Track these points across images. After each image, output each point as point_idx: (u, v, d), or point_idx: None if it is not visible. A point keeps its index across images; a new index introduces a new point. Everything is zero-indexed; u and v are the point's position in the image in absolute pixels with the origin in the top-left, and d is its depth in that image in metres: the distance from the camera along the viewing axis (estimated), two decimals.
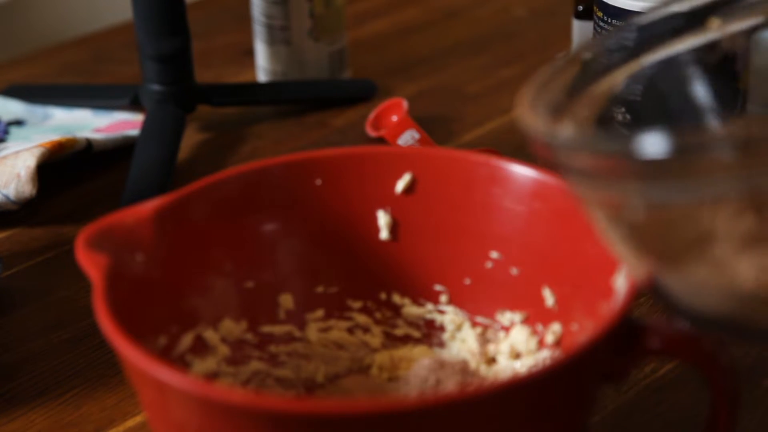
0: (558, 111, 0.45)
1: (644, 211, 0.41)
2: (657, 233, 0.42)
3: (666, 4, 0.50)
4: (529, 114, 0.43)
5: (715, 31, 0.50)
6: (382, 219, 0.54)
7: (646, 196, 0.40)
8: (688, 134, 0.37)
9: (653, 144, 0.37)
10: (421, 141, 0.75)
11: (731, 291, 0.41)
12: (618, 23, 0.65)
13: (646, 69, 0.50)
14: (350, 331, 0.55)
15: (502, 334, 0.53)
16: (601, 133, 0.48)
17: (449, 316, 0.54)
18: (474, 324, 0.54)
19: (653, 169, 0.38)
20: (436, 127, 0.80)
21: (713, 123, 0.53)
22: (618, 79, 0.49)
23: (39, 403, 0.57)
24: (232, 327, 0.52)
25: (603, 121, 0.48)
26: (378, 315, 0.55)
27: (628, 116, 0.50)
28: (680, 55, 0.50)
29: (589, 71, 0.48)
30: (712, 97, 0.52)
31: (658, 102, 0.51)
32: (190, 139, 0.81)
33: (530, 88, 0.45)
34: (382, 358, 0.54)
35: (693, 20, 0.50)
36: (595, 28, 0.67)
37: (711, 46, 0.50)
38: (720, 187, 0.38)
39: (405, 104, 0.77)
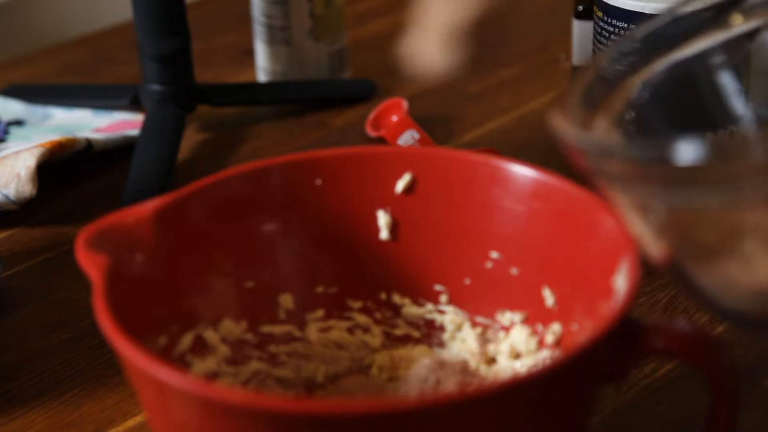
0: (592, 107, 0.45)
1: (676, 213, 0.41)
2: (688, 231, 0.42)
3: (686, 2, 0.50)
4: (561, 119, 0.43)
5: (736, 27, 0.50)
6: (382, 219, 0.54)
7: (678, 200, 0.40)
8: (723, 141, 0.37)
9: (689, 150, 0.37)
10: (421, 141, 0.75)
11: (758, 288, 0.41)
12: (618, 23, 0.65)
13: (665, 70, 0.50)
14: (350, 331, 0.55)
15: (502, 334, 0.53)
16: (635, 140, 0.48)
17: (449, 316, 0.54)
18: (474, 324, 0.54)
19: (687, 174, 0.38)
20: (436, 127, 0.80)
21: (718, 124, 0.53)
22: (645, 76, 0.49)
23: (39, 403, 0.57)
24: (232, 327, 0.52)
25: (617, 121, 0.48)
26: (378, 315, 0.55)
27: (632, 114, 0.50)
28: (696, 54, 0.50)
29: (621, 67, 0.48)
30: (716, 97, 0.52)
31: (663, 102, 0.51)
32: (190, 139, 0.81)
33: (563, 92, 0.45)
34: (382, 358, 0.54)
35: (716, 17, 0.50)
36: (595, 28, 0.67)
37: (733, 43, 0.50)
38: (753, 191, 0.38)
39: (405, 104, 0.77)
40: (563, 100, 0.45)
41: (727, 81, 0.52)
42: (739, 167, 0.38)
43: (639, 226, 0.43)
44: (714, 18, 0.50)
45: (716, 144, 0.37)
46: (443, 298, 0.54)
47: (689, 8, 0.50)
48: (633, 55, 0.49)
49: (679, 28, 0.50)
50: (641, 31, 0.50)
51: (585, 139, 0.42)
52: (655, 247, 0.43)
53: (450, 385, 0.51)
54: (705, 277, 0.42)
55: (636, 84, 0.49)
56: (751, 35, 0.51)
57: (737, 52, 0.51)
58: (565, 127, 0.42)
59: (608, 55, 0.49)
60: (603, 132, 0.46)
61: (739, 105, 0.52)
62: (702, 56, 0.50)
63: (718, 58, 0.51)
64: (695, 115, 0.53)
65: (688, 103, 0.52)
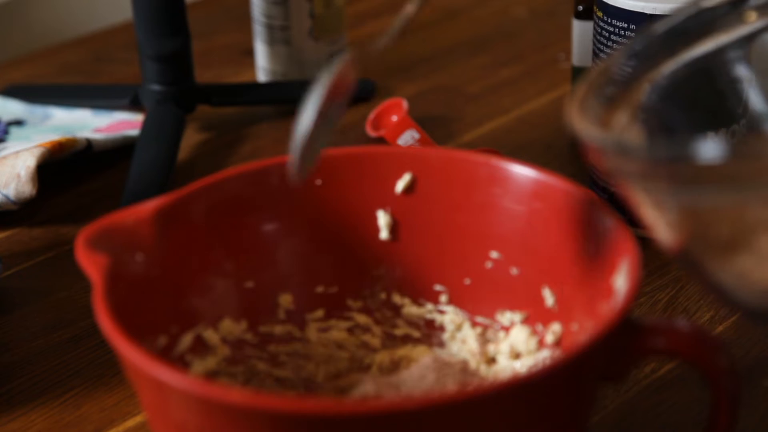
0: (610, 103, 0.46)
1: (693, 209, 0.41)
2: (703, 226, 0.42)
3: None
4: (579, 118, 0.43)
5: (750, 25, 0.50)
6: (382, 219, 0.54)
7: (696, 197, 0.40)
8: (739, 140, 0.38)
9: (709, 150, 0.38)
10: (421, 141, 0.75)
11: None
12: (618, 23, 0.65)
13: (680, 67, 0.50)
14: (350, 331, 0.55)
15: (502, 334, 0.53)
16: (654, 139, 0.48)
17: (449, 316, 0.54)
18: (474, 324, 0.54)
19: (706, 173, 0.39)
20: (436, 127, 0.80)
21: (732, 120, 0.53)
22: (660, 73, 0.49)
23: (39, 403, 0.57)
24: (232, 327, 0.52)
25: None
26: (378, 315, 0.55)
27: (648, 110, 0.50)
28: (710, 51, 0.50)
29: (637, 64, 0.49)
30: (729, 94, 0.52)
31: (678, 98, 0.51)
32: (190, 139, 0.81)
33: (579, 89, 0.45)
34: (382, 358, 0.54)
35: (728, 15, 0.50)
36: (595, 28, 0.67)
37: (746, 40, 0.51)
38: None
39: (405, 104, 0.77)
40: (580, 97, 0.45)
41: (740, 78, 0.52)
42: (757, 166, 0.38)
43: (655, 218, 0.43)
44: (728, 15, 0.50)
45: (734, 143, 0.38)
46: (443, 298, 0.54)
47: (704, 5, 0.50)
48: (648, 53, 0.49)
49: (694, 25, 0.50)
50: (658, 27, 0.50)
51: (603, 138, 0.42)
52: (670, 239, 0.43)
53: (450, 385, 0.51)
54: (719, 271, 0.43)
55: (651, 81, 0.49)
56: (755, 34, 0.51)
57: (750, 49, 0.51)
58: (582, 125, 0.42)
59: (624, 52, 0.49)
60: (622, 129, 0.46)
61: (751, 102, 0.52)
62: (716, 53, 0.50)
63: (731, 55, 0.51)
64: (710, 111, 0.53)
65: (702, 99, 0.52)
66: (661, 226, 0.43)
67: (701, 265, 0.43)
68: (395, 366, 0.54)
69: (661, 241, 0.44)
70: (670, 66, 0.49)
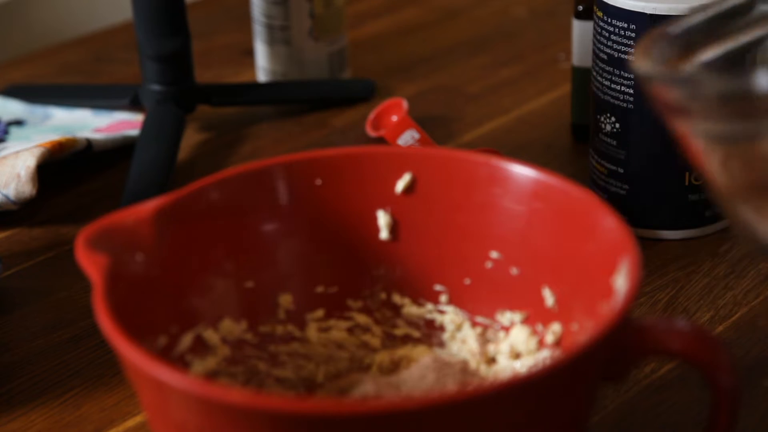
0: (674, 55, 0.47)
1: (750, 146, 0.42)
2: (759, 167, 0.42)
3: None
4: (644, 58, 0.43)
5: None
6: (382, 219, 0.54)
7: (755, 132, 0.41)
8: None
9: None
10: (421, 141, 0.75)
11: None
12: (618, 23, 0.65)
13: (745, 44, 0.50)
14: (350, 331, 0.55)
15: (502, 334, 0.53)
16: (724, 74, 0.49)
17: (449, 316, 0.54)
18: (474, 324, 0.54)
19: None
20: (436, 127, 0.80)
21: None
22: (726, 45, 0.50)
23: (39, 403, 0.57)
24: (232, 327, 0.52)
25: None
26: (378, 315, 0.55)
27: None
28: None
29: (706, 28, 0.49)
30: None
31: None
32: (190, 139, 0.81)
33: (643, 42, 0.46)
34: (382, 358, 0.54)
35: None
36: (595, 28, 0.67)
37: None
38: None
39: (405, 104, 0.77)
40: (644, 45, 0.45)
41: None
42: None
43: (708, 157, 0.43)
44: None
45: None
46: (443, 298, 0.54)
47: None
48: (715, 22, 0.49)
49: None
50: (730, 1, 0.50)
51: (671, 73, 0.43)
52: (722, 179, 0.43)
53: (450, 385, 0.51)
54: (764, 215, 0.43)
55: (708, 51, 0.49)
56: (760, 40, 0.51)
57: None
58: (648, 63, 0.43)
59: (695, 18, 0.49)
60: (692, 68, 0.46)
61: None
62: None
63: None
64: None
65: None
66: (714, 166, 0.43)
67: (748, 207, 0.43)
68: (395, 366, 0.54)
69: (711, 183, 0.44)
70: (740, 39, 0.50)
